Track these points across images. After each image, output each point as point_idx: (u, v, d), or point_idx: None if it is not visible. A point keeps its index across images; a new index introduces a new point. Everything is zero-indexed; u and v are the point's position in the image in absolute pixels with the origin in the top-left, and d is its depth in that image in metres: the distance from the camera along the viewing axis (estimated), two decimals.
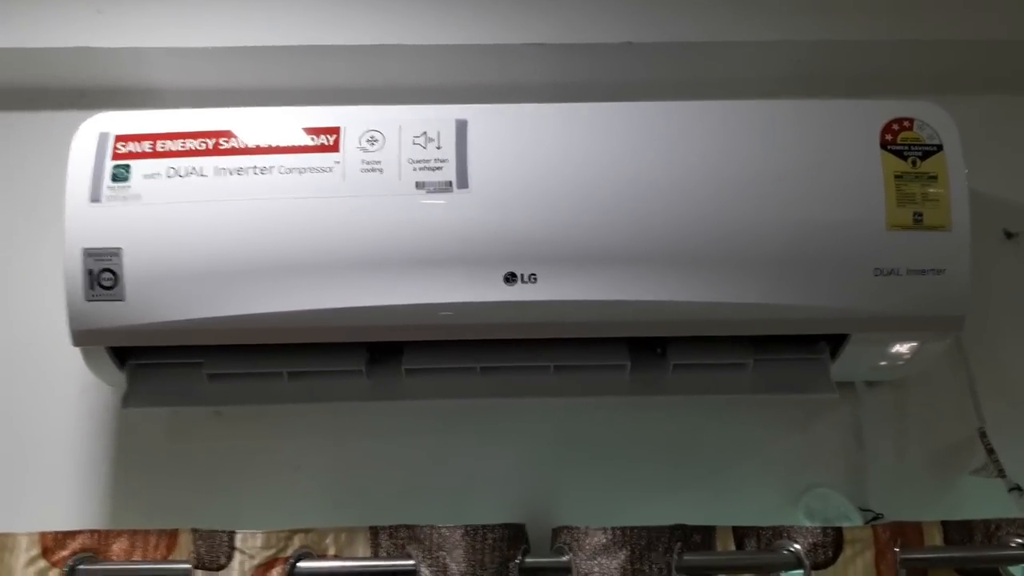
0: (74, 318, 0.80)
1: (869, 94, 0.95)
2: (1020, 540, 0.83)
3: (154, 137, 0.83)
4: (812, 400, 0.93)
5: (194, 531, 0.83)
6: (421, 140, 0.83)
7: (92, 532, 0.84)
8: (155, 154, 0.82)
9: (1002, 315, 0.97)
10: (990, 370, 0.95)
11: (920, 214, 0.82)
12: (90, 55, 0.95)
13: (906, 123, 0.84)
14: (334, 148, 0.82)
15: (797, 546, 0.83)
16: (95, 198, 0.80)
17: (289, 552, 0.82)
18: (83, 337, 0.81)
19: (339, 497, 0.93)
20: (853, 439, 0.95)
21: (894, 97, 0.86)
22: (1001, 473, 0.89)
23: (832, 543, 0.83)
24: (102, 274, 0.79)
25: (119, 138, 0.82)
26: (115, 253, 0.79)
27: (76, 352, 0.83)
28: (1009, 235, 1.00)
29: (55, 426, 0.94)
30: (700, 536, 0.84)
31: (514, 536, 0.84)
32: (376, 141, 0.82)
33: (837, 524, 0.87)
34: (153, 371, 0.86)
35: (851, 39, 0.97)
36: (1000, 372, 0.96)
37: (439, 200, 0.81)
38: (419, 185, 0.81)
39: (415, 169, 0.82)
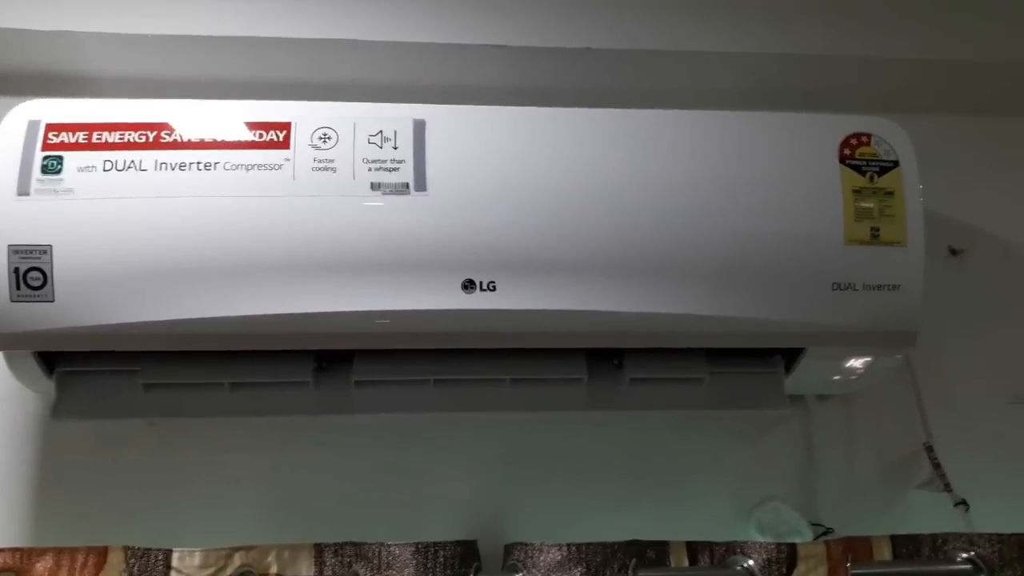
0: None
1: (823, 109, 0.95)
2: (966, 554, 0.85)
3: (89, 127, 0.78)
4: (764, 416, 0.93)
5: (126, 549, 0.78)
6: (377, 139, 0.80)
7: (14, 551, 0.78)
8: (90, 146, 0.77)
9: (947, 331, 0.98)
10: (935, 385, 0.97)
11: (877, 229, 0.82)
12: (17, 37, 0.89)
13: (864, 138, 0.84)
14: (284, 145, 0.78)
15: (751, 562, 0.83)
16: (23, 191, 0.75)
17: (229, 571, 0.79)
18: (7, 341, 0.76)
19: (282, 513, 0.89)
20: (804, 452, 0.96)
21: (845, 112, 0.87)
22: (947, 487, 0.91)
23: (786, 559, 0.83)
24: (29, 273, 0.74)
25: (50, 127, 0.77)
26: (44, 251, 0.74)
27: None
28: (953, 252, 1.01)
29: None
30: (654, 552, 0.83)
31: (466, 553, 0.81)
32: (329, 139, 0.79)
33: (788, 538, 0.88)
34: (84, 379, 0.81)
35: (808, 53, 0.97)
36: (945, 387, 0.98)
37: (395, 202, 0.78)
38: (374, 186, 0.78)
39: (370, 169, 0.79)
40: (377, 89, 0.93)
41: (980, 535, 0.85)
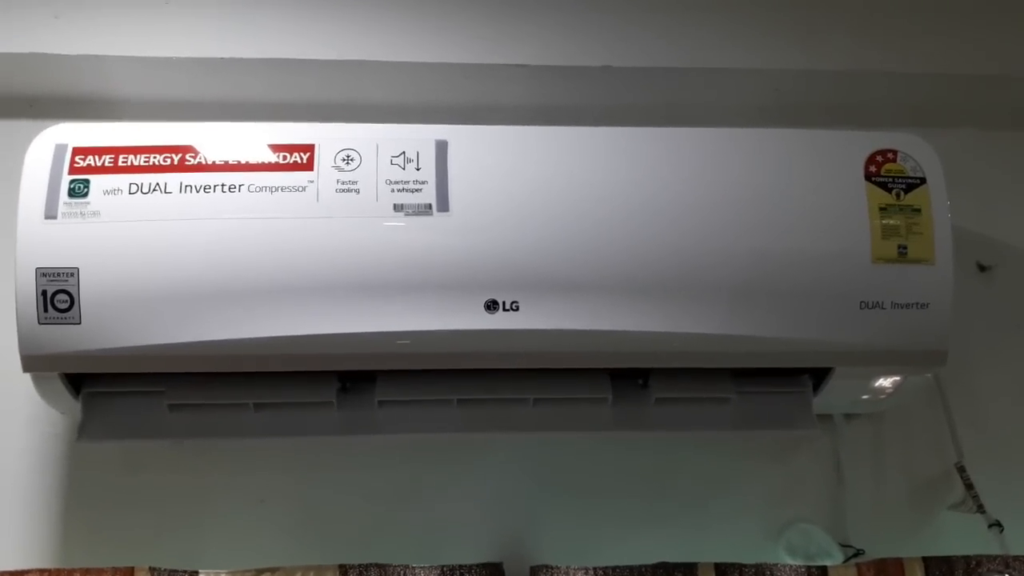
0: (25, 342, 0.75)
1: (846, 125, 0.95)
2: None
3: (115, 151, 0.78)
4: (793, 436, 0.92)
5: (152, 570, 0.78)
6: (400, 160, 0.80)
7: (42, 571, 0.79)
8: (116, 169, 0.77)
9: (977, 348, 0.97)
10: (965, 404, 0.95)
11: (904, 247, 0.81)
12: (45, 62, 0.90)
13: (890, 155, 0.83)
14: (308, 166, 0.79)
15: None
16: (50, 214, 0.76)
17: None
18: (34, 363, 0.76)
19: (307, 534, 0.89)
20: (832, 472, 0.94)
21: (869, 128, 0.86)
22: (980, 508, 0.89)
23: None
24: (56, 296, 0.74)
25: (77, 151, 0.78)
26: (71, 273, 0.75)
27: (26, 379, 0.78)
28: (982, 268, 1.00)
29: (2, 457, 0.88)
30: (682, 574, 0.82)
31: None
32: (352, 160, 0.79)
33: (818, 560, 0.87)
34: (110, 400, 0.81)
35: (830, 69, 0.96)
36: (975, 405, 0.96)
37: (418, 223, 0.78)
38: (397, 207, 0.78)
39: (393, 190, 0.79)
40: (399, 110, 0.93)
41: (1016, 558, 0.83)
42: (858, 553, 0.89)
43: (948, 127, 1.00)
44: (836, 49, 0.96)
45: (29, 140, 0.78)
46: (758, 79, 0.97)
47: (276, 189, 0.78)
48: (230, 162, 0.78)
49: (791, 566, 0.82)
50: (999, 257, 1.00)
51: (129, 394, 0.81)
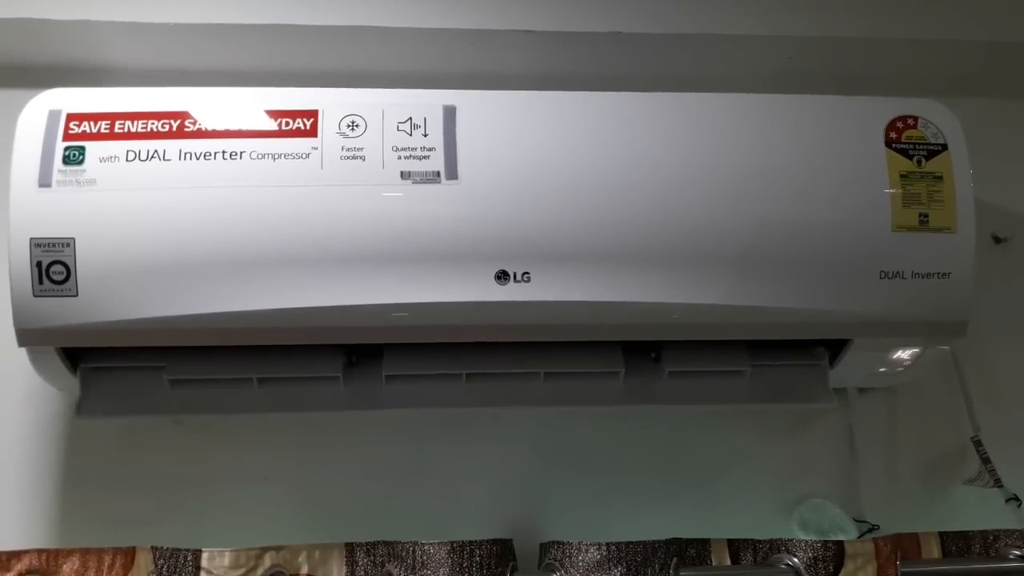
0: (19, 315, 0.73)
1: (860, 93, 0.92)
2: (1018, 552, 0.82)
3: (111, 116, 0.76)
4: (809, 409, 0.90)
5: (154, 549, 0.77)
6: (406, 126, 0.77)
7: (40, 551, 0.77)
8: (112, 135, 0.75)
9: (992, 320, 0.95)
10: (979, 377, 0.93)
11: (926, 215, 0.79)
12: (36, 28, 0.87)
13: (910, 121, 0.81)
14: (311, 133, 0.76)
15: (796, 560, 0.80)
16: (44, 183, 0.73)
17: (259, 572, 0.77)
18: (30, 336, 0.74)
19: (312, 512, 0.88)
20: (846, 447, 0.93)
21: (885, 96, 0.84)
22: (997, 483, 0.88)
23: (833, 557, 0.80)
24: (52, 267, 0.72)
25: (71, 117, 0.75)
26: (67, 244, 0.72)
27: (22, 353, 0.76)
28: (997, 240, 0.98)
29: None
30: (695, 550, 0.81)
31: (501, 552, 0.79)
32: (357, 126, 0.77)
33: (832, 536, 0.86)
34: (109, 375, 0.79)
35: (843, 36, 0.94)
36: (990, 379, 0.95)
37: (426, 191, 0.75)
38: (404, 175, 0.76)
39: (400, 157, 0.76)
40: (403, 77, 0.90)
41: None
42: (873, 528, 0.88)
43: (962, 96, 0.98)
44: (850, 16, 0.94)
45: (22, 110, 0.75)
46: (770, 46, 0.94)
47: (279, 156, 0.75)
48: (231, 128, 0.76)
49: (807, 541, 0.81)
50: (1015, 229, 0.98)
51: (128, 369, 0.79)
